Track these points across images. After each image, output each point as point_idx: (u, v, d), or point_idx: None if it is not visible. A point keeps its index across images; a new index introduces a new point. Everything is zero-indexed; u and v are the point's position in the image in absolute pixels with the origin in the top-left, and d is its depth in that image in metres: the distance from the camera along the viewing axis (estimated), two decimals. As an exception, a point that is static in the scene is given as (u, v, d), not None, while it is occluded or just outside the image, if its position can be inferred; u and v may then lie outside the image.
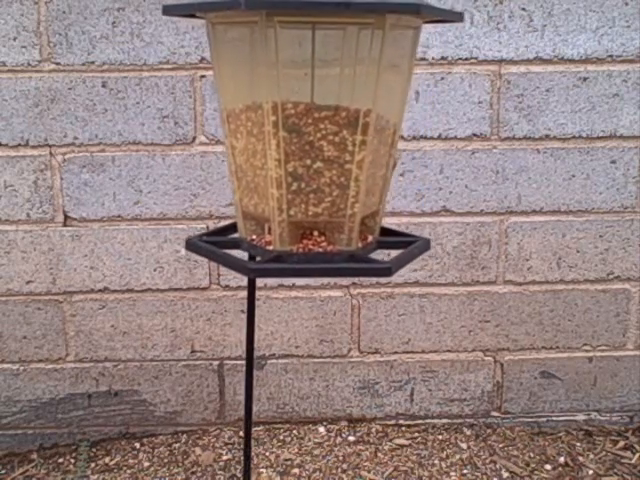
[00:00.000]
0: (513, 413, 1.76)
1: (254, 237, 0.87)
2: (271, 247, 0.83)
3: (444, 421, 1.76)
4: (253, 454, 1.64)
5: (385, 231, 0.92)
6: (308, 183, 0.80)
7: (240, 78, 0.83)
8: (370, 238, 0.88)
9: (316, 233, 0.83)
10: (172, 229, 1.63)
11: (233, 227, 0.96)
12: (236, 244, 0.89)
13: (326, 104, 0.78)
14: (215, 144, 1.60)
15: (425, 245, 0.89)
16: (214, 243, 0.88)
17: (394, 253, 0.85)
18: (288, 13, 0.73)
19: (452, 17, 0.80)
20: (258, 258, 0.87)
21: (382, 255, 0.88)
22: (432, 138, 1.61)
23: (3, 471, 1.63)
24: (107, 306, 1.66)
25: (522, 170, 1.63)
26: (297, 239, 0.82)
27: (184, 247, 0.89)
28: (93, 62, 1.56)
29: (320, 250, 0.82)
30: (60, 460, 1.66)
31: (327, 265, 0.82)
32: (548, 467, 1.60)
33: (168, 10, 0.81)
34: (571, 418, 1.76)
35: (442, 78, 1.59)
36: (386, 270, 0.78)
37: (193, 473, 1.59)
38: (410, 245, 0.88)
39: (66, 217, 1.62)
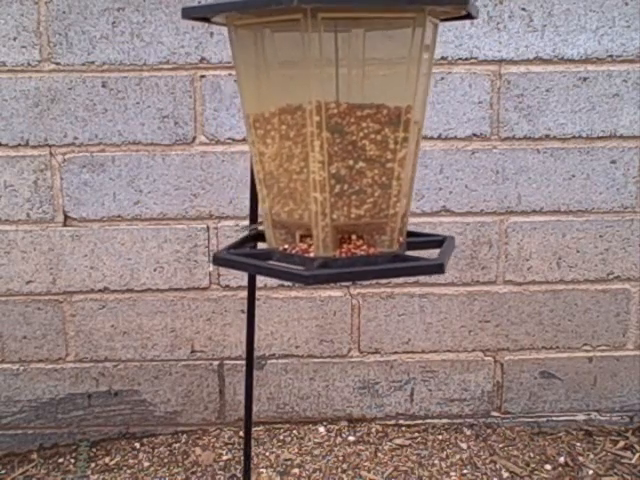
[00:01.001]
0: (513, 413, 1.76)
1: (286, 247, 0.83)
2: (312, 254, 0.80)
3: (444, 421, 1.76)
4: (253, 454, 1.64)
5: (407, 233, 0.91)
6: (351, 184, 0.78)
7: (270, 81, 0.80)
8: (401, 239, 0.86)
9: (354, 237, 0.81)
10: (172, 229, 1.63)
11: (252, 239, 0.92)
12: (266, 255, 0.85)
13: (367, 102, 0.76)
14: (215, 144, 1.60)
15: (452, 242, 0.89)
16: (244, 256, 0.84)
17: (421, 253, 0.84)
18: (333, 10, 0.71)
19: (475, 12, 0.79)
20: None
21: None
22: (432, 138, 1.61)
23: (3, 471, 1.63)
24: (107, 306, 1.66)
25: (522, 170, 1.63)
26: (337, 245, 0.80)
27: (212, 262, 0.85)
28: (93, 62, 1.56)
29: (363, 253, 0.80)
30: (60, 460, 1.66)
31: (379, 267, 0.80)
32: (548, 467, 1.60)
33: (188, 13, 0.78)
34: (571, 418, 1.76)
35: (442, 78, 1.59)
36: (439, 267, 0.77)
37: (193, 473, 1.59)
38: (436, 243, 0.88)
39: (66, 217, 1.62)
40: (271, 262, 0.83)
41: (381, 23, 0.75)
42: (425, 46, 0.80)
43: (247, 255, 0.85)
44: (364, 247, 0.81)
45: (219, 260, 0.83)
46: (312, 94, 0.74)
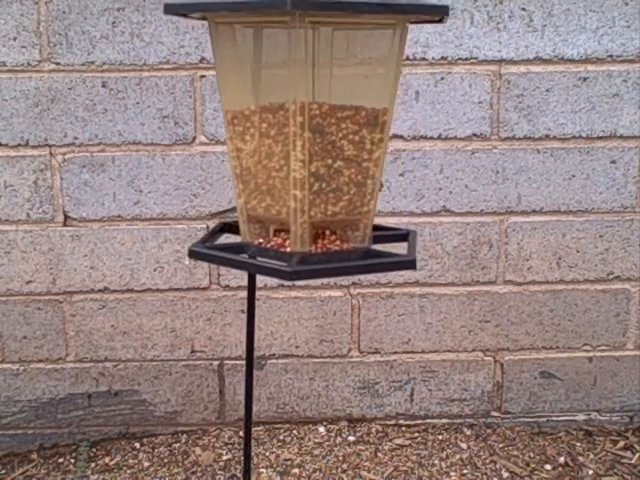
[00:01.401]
0: (513, 413, 1.76)
1: (261, 240, 0.86)
2: (288, 249, 0.82)
3: (444, 421, 1.76)
4: (253, 454, 1.64)
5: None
6: (328, 183, 0.80)
7: (252, 79, 0.82)
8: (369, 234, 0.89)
9: (328, 232, 0.84)
10: (172, 229, 1.63)
11: (219, 231, 0.94)
12: (240, 249, 0.87)
13: (347, 104, 0.79)
14: (215, 144, 1.60)
15: (415, 236, 0.93)
16: (218, 249, 0.86)
17: (387, 246, 0.87)
18: (322, 14, 0.73)
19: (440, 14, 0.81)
20: (273, 261, 0.85)
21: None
22: (432, 138, 1.61)
23: (3, 471, 1.63)
24: (107, 306, 1.66)
25: (522, 170, 1.63)
26: (312, 240, 0.82)
27: (188, 255, 0.87)
28: (93, 62, 1.56)
29: (337, 248, 0.83)
30: (60, 460, 1.66)
31: (361, 262, 0.83)
32: (548, 467, 1.60)
33: (170, 10, 0.80)
34: (571, 418, 1.76)
35: (442, 78, 1.59)
36: (411, 262, 0.81)
37: (193, 473, 1.59)
38: (399, 237, 0.92)
39: (66, 217, 1.62)
40: (244, 255, 0.85)
41: (364, 27, 0.78)
42: (403, 50, 0.82)
43: (222, 249, 0.86)
44: (337, 242, 0.84)
45: (196, 254, 0.85)
46: (296, 95, 0.76)
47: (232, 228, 0.96)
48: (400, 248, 0.89)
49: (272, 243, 0.84)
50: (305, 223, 0.80)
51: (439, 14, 0.76)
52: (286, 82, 0.77)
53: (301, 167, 0.78)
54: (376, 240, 0.91)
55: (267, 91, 0.81)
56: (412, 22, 0.84)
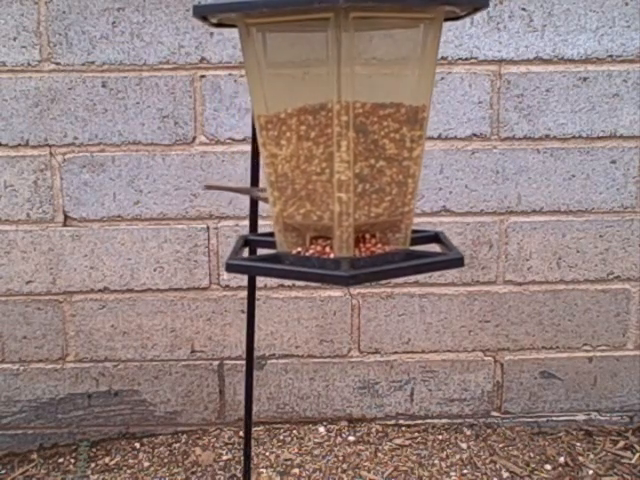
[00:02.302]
0: (513, 413, 1.76)
1: (299, 249, 0.82)
2: (331, 255, 0.79)
3: (444, 421, 1.76)
4: (253, 454, 1.64)
5: None
6: (372, 183, 0.78)
7: (286, 81, 0.80)
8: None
9: (368, 236, 0.81)
10: (172, 229, 1.63)
11: (243, 245, 0.92)
12: (276, 259, 0.83)
13: (388, 101, 0.77)
14: (215, 144, 1.60)
15: (444, 234, 0.91)
16: (259, 260, 0.83)
17: (420, 248, 0.86)
18: (365, 9, 0.71)
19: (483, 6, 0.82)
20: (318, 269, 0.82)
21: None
22: (432, 138, 1.61)
23: (3, 471, 1.63)
24: (107, 306, 1.66)
25: (522, 170, 1.63)
26: (354, 244, 0.80)
27: (225, 269, 0.82)
28: (93, 62, 1.56)
29: (380, 251, 0.81)
30: (60, 460, 1.66)
31: (412, 262, 0.80)
32: (548, 467, 1.60)
33: (199, 11, 0.76)
34: (571, 418, 1.76)
35: (442, 78, 1.59)
36: (459, 260, 0.79)
37: (193, 473, 1.59)
38: (429, 238, 0.90)
39: (66, 217, 1.62)
40: (282, 265, 0.82)
41: (402, 23, 0.77)
42: (439, 45, 0.81)
43: (261, 260, 0.84)
44: (379, 245, 0.82)
45: (236, 267, 0.82)
46: (341, 94, 0.74)
47: (254, 242, 0.94)
48: (434, 249, 0.87)
49: (312, 251, 0.81)
50: (350, 227, 0.77)
51: (478, 5, 0.75)
52: (326, 81, 0.75)
53: (346, 168, 0.76)
54: (412, 242, 0.90)
55: (305, 92, 0.79)
56: (446, 19, 0.84)
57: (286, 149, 0.80)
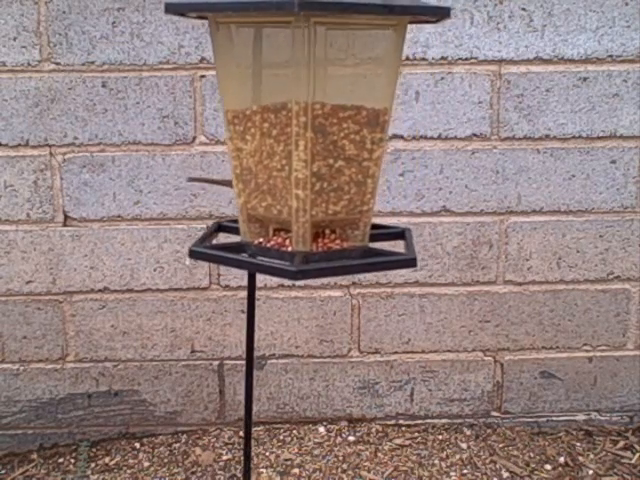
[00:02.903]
0: (513, 413, 1.76)
1: (261, 240, 0.86)
2: (289, 248, 0.82)
3: (444, 421, 1.76)
4: (253, 454, 1.64)
5: None
6: (330, 182, 0.81)
7: (252, 79, 0.82)
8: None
9: (328, 231, 0.84)
10: (172, 229, 1.63)
11: (216, 230, 0.95)
12: (240, 248, 0.87)
13: (349, 104, 0.79)
14: (215, 144, 1.60)
15: (410, 232, 0.94)
16: (218, 249, 0.86)
17: (384, 245, 0.88)
18: (327, 14, 0.73)
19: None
20: (275, 260, 0.85)
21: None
22: (432, 138, 1.61)
23: (3, 471, 1.63)
24: (107, 306, 1.66)
25: (522, 170, 1.63)
26: (313, 239, 0.83)
27: (188, 255, 0.87)
28: (93, 62, 1.56)
29: (337, 247, 0.84)
30: (60, 460, 1.66)
31: (364, 261, 0.83)
32: (548, 467, 1.60)
33: (171, 9, 0.79)
34: (571, 418, 1.76)
35: (442, 78, 1.59)
36: (411, 261, 0.82)
37: (193, 473, 1.59)
38: (395, 235, 0.93)
39: (66, 217, 1.62)
40: (244, 255, 0.85)
41: (365, 27, 0.78)
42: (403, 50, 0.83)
43: (222, 248, 0.86)
44: (337, 241, 0.85)
45: (197, 254, 0.85)
46: (299, 95, 0.76)
47: (227, 228, 0.96)
48: (399, 246, 0.90)
49: (272, 242, 0.84)
50: (307, 222, 0.80)
51: (440, 15, 0.77)
52: (288, 82, 0.77)
53: (303, 167, 0.78)
54: (372, 238, 0.92)
55: (269, 91, 0.81)
56: (411, 22, 0.85)
57: (250, 144, 0.83)
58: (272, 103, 0.79)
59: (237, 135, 0.84)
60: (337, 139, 0.80)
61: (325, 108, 0.78)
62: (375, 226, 0.95)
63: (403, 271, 1.65)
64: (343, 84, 0.81)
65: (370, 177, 0.82)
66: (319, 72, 0.77)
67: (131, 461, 1.64)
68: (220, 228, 0.97)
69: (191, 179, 1.21)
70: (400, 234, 0.94)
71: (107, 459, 1.65)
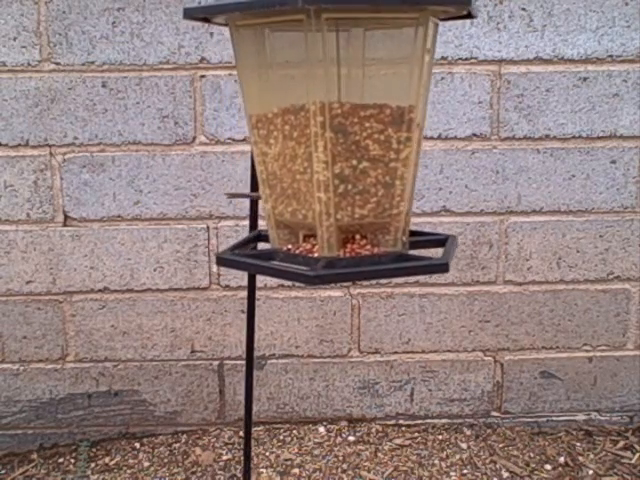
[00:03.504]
0: (513, 413, 1.76)
1: (290, 247, 0.83)
2: (316, 254, 0.80)
3: (444, 421, 1.76)
4: (253, 454, 1.64)
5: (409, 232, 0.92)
6: (354, 184, 0.78)
7: (273, 82, 0.81)
8: (404, 238, 0.86)
9: (358, 237, 0.81)
10: (172, 229, 1.63)
11: (254, 239, 0.93)
12: (269, 255, 0.85)
13: (370, 102, 0.77)
14: (215, 144, 1.60)
15: (455, 241, 0.89)
16: (247, 256, 0.84)
17: (423, 252, 0.84)
18: (337, 10, 0.71)
19: (475, 12, 0.80)
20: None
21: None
22: (432, 138, 1.61)
23: (3, 471, 1.63)
24: (107, 306, 1.66)
25: (522, 170, 1.63)
26: (341, 244, 0.80)
27: (216, 263, 0.86)
28: (93, 62, 1.56)
29: (367, 253, 0.80)
30: (60, 460, 1.66)
31: (385, 266, 0.80)
32: (548, 467, 1.60)
33: (190, 13, 0.77)
34: (571, 418, 1.76)
35: (442, 78, 1.59)
36: (443, 266, 0.77)
37: (193, 473, 1.60)
38: (438, 242, 0.88)
39: (66, 217, 1.62)
40: (274, 262, 0.82)
41: (384, 23, 0.75)
42: (427, 46, 0.80)
43: (250, 256, 0.84)
44: (368, 247, 0.81)
45: (222, 260, 0.83)
46: (315, 95, 0.74)
47: (266, 238, 0.94)
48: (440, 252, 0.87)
49: (301, 249, 0.82)
50: (331, 227, 0.78)
51: (462, 6, 0.73)
52: (304, 82, 0.75)
53: (324, 168, 0.76)
54: (415, 246, 0.88)
55: (288, 93, 0.79)
56: (443, 19, 0.82)
57: (274, 148, 0.81)
58: (292, 105, 0.78)
59: (261, 139, 0.82)
60: (359, 139, 0.77)
61: (344, 107, 0.75)
62: (420, 233, 0.92)
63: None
64: (364, 82, 0.78)
65: (399, 179, 0.79)
66: (336, 71, 0.76)
67: (131, 461, 1.64)
68: (260, 237, 0.95)
69: (230, 195, 1.19)
70: (443, 241, 0.90)
71: (107, 459, 1.65)
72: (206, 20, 0.81)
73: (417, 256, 0.82)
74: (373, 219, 0.80)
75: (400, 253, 0.82)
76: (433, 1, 0.72)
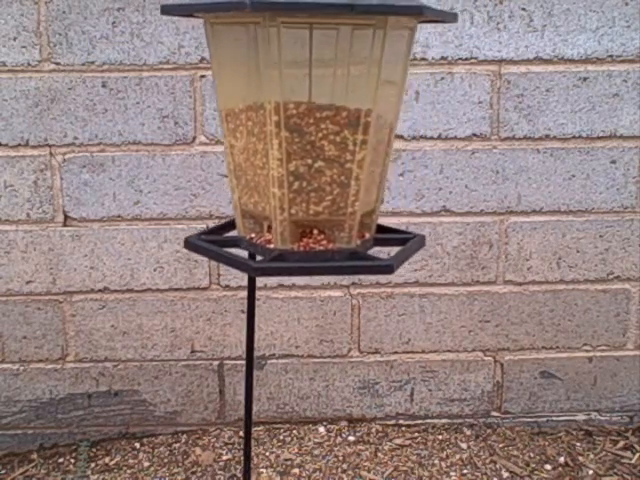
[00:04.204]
0: (513, 413, 1.76)
1: (253, 236, 0.87)
2: (272, 246, 0.83)
3: (444, 421, 1.76)
4: (253, 454, 1.64)
5: (380, 228, 0.94)
6: (309, 182, 0.80)
7: (240, 78, 0.83)
8: (367, 235, 0.89)
9: (316, 231, 0.83)
10: (172, 229, 1.63)
11: (230, 225, 0.96)
12: (235, 243, 0.89)
13: (327, 104, 0.79)
14: (215, 144, 1.60)
15: (421, 241, 0.90)
16: (213, 242, 0.88)
17: (390, 250, 0.85)
18: (291, 14, 0.73)
19: (448, 18, 0.81)
20: (259, 257, 0.87)
21: (381, 253, 0.88)
22: (432, 138, 1.61)
23: (3, 471, 1.63)
24: (107, 306, 1.66)
25: (522, 170, 1.63)
26: (297, 238, 0.83)
27: (183, 246, 0.89)
28: (93, 62, 1.56)
29: (321, 248, 0.83)
30: (60, 460, 1.66)
31: (329, 263, 0.82)
32: (548, 467, 1.60)
33: (167, 10, 0.81)
34: (571, 418, 1.76)
35: (442, 78, 1.59)
36: (388, 267, 0.79)
37: (193, 473, 1.60)
38: (406, 242, 0.89)
39: (66, 217, 1.62)
40: (229, 250, 0.86)
41: (340, 27, 0.77)
42: (404, 48, 0.82)
43: (215, 242, 0.88)
44: (324, 242, 0.84)
45: (188, 244, 0.88)
46: (271, 94, 0.77)
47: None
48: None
49: (262, 239, 0.85)
50: (285, 221, 0.81)
51: (415, 14, 0.74)
52: (262, 82, 0.78)
53: (278, 165, 0.79)
54: (381, 243, 0.90)
55: (250, 90, 0.82)
56: (423, 21, 0.83)
57: (240, 141, 0.84)
58: (253, 102, 0.80)
59: (229, 132, 0.86)
60: (315, 139, 0.79)
61: (300, 108, 0.78)
62: (388, 229, 0.94)
63: (402, 271, 1.65)
64: (320, 84, 0.80)
65: (354, 179, 0.81)
66: (293, 72, 0.77)
67: (131, 461, 1.64)
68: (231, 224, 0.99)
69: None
70: (406, 240, 0.91)
71: (107, 459, 1.65)
72: (187, 16, 0.84)
73: (369, 255, 0.84)
74: (328, 216, 0.83)
75: (354, 250, 0.84)
76: (384, 11, 0.73)
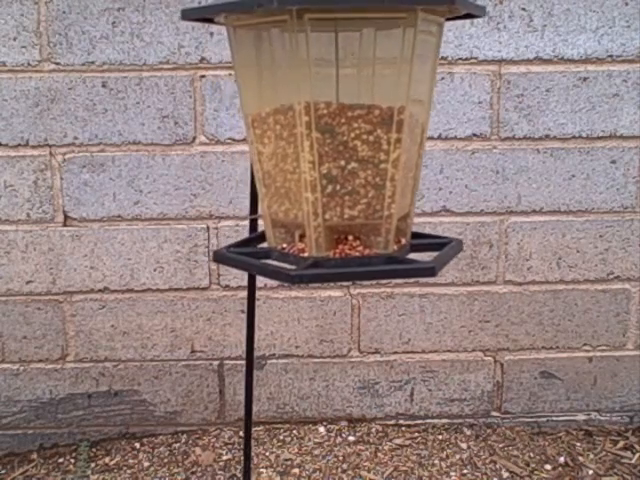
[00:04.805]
0: (513, 413, 1.76)
1: (284, 246, 0.84)
2: (306, 254, 0.80)
3: (444, 421, 1.76)
4: (253, 454, 1.64)
5: (413, 234, 0.90)
6: (343, 185, 0.77)
7: (266, 81, 0.81)
8: (404, 241, 0.85)
9: (351, 237, 0.80)
10: (172, 229, 1.63)
11: (259, 238, 0.93)
12: (266, 254, 0.85)
13: (359, 102, 0.76)
14: (215, 144, 1.60)
15: (459, 245, 0.87)
16: (243, 254, 0.85)
17: (424, 255, 0.83)
18: (319, 10, 0.71)
19: (477, 11, 0.78)
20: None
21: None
22: (432, 138, 1.61)
23: (3, 471, 1.63)
24: (107, 306, 1.66)
25: (522, 170, 1.63)
26: (332, 245, 0.79)
27: (212, 259, 0.87)
28: (93, 62, 1.56)
29: (357, 254, 0.80)
30: (60, 460, 1.66)
31: (367, 268, 0.79)
32: (548, 467, 1.60)
33: (187, 15, 0.78)
34: (571, 418, 1.76)
35: (442, 78, 1.59)
36: (430, 270, 0.76)
37: (193, 473, 1.60)
38: (442, 246, 0.86)
39: (66, 217, 1.62)
40: (262, 261, 0.83)
41: (371, 23, 0.75)
42: (418, 46, 0.79)
43: (245, 254, 0.85)
44: (360, 248, 0.80)
45: (218, 257, 0.84)
46: (300, 95, 0.74)
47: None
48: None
49: (294, 249, 0.82)
50: (320, 227, 0.78)
51: (446, 3, 0.72)
52: (291, 82, 0.75)
53: (310, 168, 0.76)
54: (416, 248, 0.87)
55: (278, 92, 0.79)
56: (449, 18, 0.81)
57: (268, 147, 0.81)
58: (281, 104, 0.78)
59: (257, 138, 0.82)
60: (347, 139, 0.76)
61: (331, 107, 0.75)
62: (422, 235, 0.91)
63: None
64: (352, 82, 0.77)
65: (389, 180, 0.78)
66: (322, 71, 0.75)
67: (131, 461, 1.64)
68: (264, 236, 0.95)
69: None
70: (444, 245, 0.87)
71: (107, 459, 1.65)
72: (207, 20, 0.81)
73: (407, 259, 0.81)
74: (363, 220, 0.79)
75: (391, 255, 0.80)
76: (416, 2, 0.71)
